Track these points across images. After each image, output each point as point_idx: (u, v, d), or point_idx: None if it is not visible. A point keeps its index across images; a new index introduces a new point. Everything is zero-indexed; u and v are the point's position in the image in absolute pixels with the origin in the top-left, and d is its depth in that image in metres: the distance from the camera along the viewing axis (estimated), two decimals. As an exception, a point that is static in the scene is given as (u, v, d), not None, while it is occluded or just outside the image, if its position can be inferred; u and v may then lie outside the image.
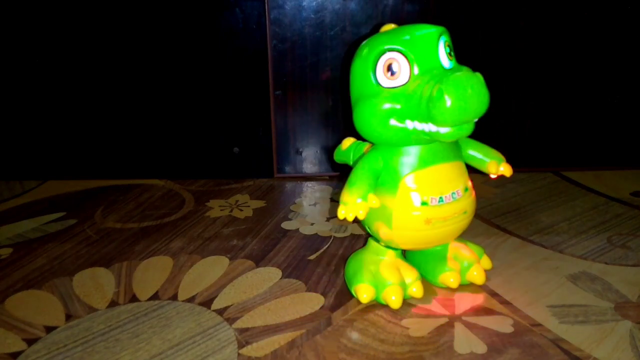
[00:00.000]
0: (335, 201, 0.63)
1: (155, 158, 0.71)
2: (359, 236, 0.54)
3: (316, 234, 0.55)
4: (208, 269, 0.48)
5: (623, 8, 0.66)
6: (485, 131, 0.69)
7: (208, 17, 0.66)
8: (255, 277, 0.46)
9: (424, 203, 0.40)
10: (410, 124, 0.38)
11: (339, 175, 0.72)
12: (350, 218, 0.39)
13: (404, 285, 0.42)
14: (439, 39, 0.38)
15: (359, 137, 0.43)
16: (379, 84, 0.39)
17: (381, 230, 0.42)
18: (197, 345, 0.37)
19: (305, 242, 0.53)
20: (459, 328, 0.39)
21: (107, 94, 0.69)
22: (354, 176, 0.41)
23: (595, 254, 0.50)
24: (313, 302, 0.42)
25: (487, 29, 0.67)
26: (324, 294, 0.43)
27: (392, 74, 0.38)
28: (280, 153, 0.71)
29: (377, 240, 0.44)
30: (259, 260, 0.49)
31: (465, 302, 0.42)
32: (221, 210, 0.61)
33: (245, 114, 0.69)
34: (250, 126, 0.70)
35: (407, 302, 0.42)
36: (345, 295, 0.43)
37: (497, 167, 0.43)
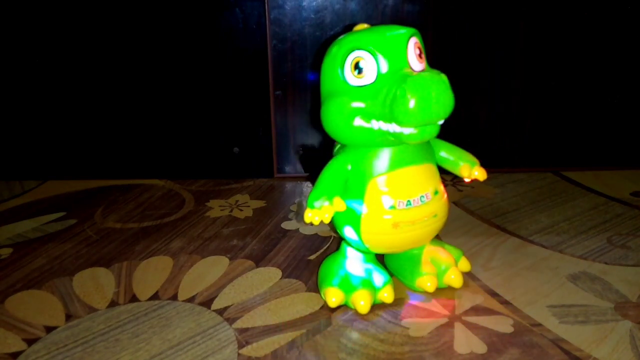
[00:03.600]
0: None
1: (155, 158, 0.71)
2: (359, 236, 0.54)
3: (316, 234, 0.55)
4: (208, 269, 0.48)
5: (623, 8, 0.66)
6: (485, 131, 0.69)
7: (208, 17, 0.66)
8: (255, 277, 0.46)
9: (391, 207, 0.40)
10: (375, 124, 0.37)
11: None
12: (316, 222, 0.38)
13: (373, 290, 0.42)
14: (408, 40, 0.38)
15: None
16: (346, 82, 0.39)
17: (350, 234, 0.42)
18: (197, 345, 0.37)
19: (305, 242, 0.53)
20: (459, 328, 0.39)
21: (107, 94, 0.69)
22: (321, 179, 0.40)
23: (595, 254, 0.50)
24: (313, 302, 0.42)
25: (487, 29, 0.67)
26: (324, 294, 0.43)
27: (359, 72, 0.38)
28: (280, 153, 0.71)
29: (349, 244, 0.44)
30: (259, 260, 0.49)
31: (465, 302, 0.42)
32: (221, 210, 0.61)
33: (245, 114, 0.69)
34: (250, 126, 0.70)
35: (407, 302, 0.42)
36: (345, 295, 0.43)
37: (470, 170, 0.42)
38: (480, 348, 0.37)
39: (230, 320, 0.40)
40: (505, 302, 0.42)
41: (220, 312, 0.41)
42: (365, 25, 0.41)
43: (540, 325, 0.39)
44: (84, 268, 0.48)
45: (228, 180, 0.71)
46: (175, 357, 0.36)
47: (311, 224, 0.39)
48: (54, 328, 0.40)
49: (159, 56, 0.67)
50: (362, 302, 0.40)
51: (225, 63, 0.67)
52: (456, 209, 0.61)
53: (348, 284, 0.42)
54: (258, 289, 0.44)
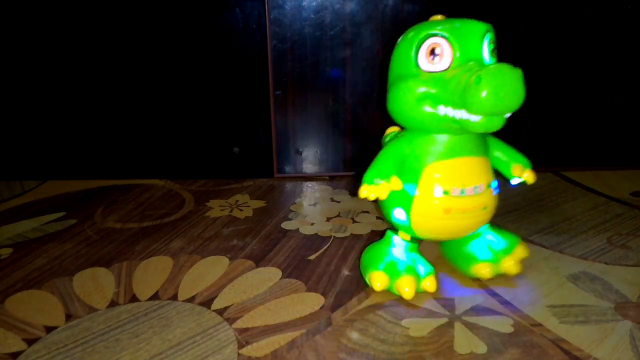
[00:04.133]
0: (335, 201, 0.63)
1: (155, 158, 0.71)
2: (359, 236, 0.54)
3: (316, 234, 0.55)
4: (208, 269, 0.48)
5: (623, 8, 0.66)
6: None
7: (208, 17, 0.66)
8: (255, 277, 0.46)
9: (445, 192, 0.41)
10: (442, 110, 0.39)
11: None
12: (371, 197, 0.39)
13: (418, 278, 0.43)
14: (484, 34, 0.39)
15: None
16: (419, 66, 0.39)
17: (400, 215, 0.43)
18: (197, 345, 0.37)
19: (305, 242, 0.53)
20: (459, 328, 0.39)
21: (107, 94, 0.69)
22: (379, 158, 0.41)
23: (595, 254, 0.50)
24: (313, 302, 0.42)
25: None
26: (324, 294, 0.43)
27: (434, 57, 0.39)
28: (280, 153, 0.71)
29: (395, 232, 0.45)
30: (259, 260, 0.49)
31: (465, 302, 0.42)
32: (221, 210, 0.61)
33: (245, 114, 0.69)
34: (250, 126, 0.70)
35: (407, 302, 0.42)
36: (345, 295, 0.43)
37: (521, 171, 0.43)
38: (480, 348, 0.37)
39: (230, 320, 0.40)
40: (505, 302, 0.42)
41: (220, 312, 0.41)
42: (440, 17, 0.42)
43: (540, 325, 0.39)
44: (84, 268, 0.48)
45: (228, 180, 0.71)
46: (175, 357, 0.36)
47: (365, 199, 0.40)
48: (54, 328, 0.39)
49: (159, 56, 0.67)
50: (406, 288, 0.41)
51: (225, 63, 0.67)
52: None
53: (394, 270, 0.43)
54: (258, 289, 0.44)
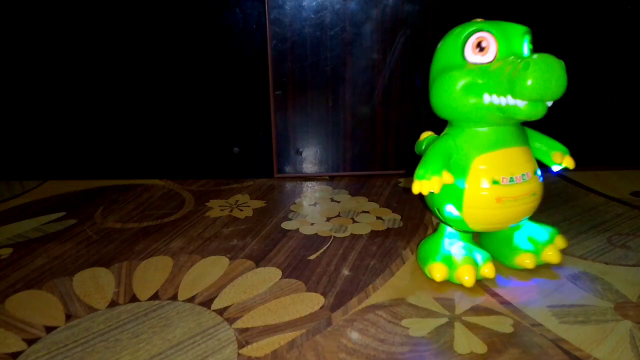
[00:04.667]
0: (335, 201, 0.63)
1: (155, 158, 0.71)
2: (359, 236, 0.54)
3: (316, 234, 0.55)
4: (208, 269, 0.48)
5: (623, 8, 0.66)
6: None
7: (208, 17, 0.66)
8: (255, 277, 0.46)
9: (495, 182, 0.42)
10: (487, 98, 0.41)
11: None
12: (425, 192, 0.41)
13: (476, 266, 0.44)
14: (524, 34, 0.42)
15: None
16: (465, 58, 0.42)
17: (452, 211, 0.44)
18: (197, 345, 0.37)
19: (305, 242, 0.53)
20: (459, 328, 0.39)
21: (107, 94, 0.69)
22: (428, 155, 0.43)
23: (595, 254, 0.50)
24: (313, 302, 0.42)
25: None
26: (324, 294, 0.43)
27: (481, 50, 0.41)
28: (280, 153, 0.71)
29: (448, 225, 0.46)
30: (259, 260, 0.49)
31: (465, 302, 0.42)
32: (221, 210, 0.61)
33: (245, 114, 0.69)
34: (250, 126, 0.70)
35: (407, 302, 0.42)
36: (345, 295, 0.43)
37: (562, 158, 0.46)
38: (480, 348, 0.37)
39: (230, 320, 0.40)
40: (505, 302, 0.42)
41: (220, 312, 0.41)
42: (481, 19, 0.45)
43: (540, 325, 0.39)
44: (84, 268, 0.48)
45: (228, 180, 0.71)
46: (176, 357, 0.36)
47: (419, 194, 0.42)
48: (54, 328, 0.39)
49: (159, 56, 0.67)
50: (466, 277, 0.43)
51: (225, 63, 0.67)
52: (456, 209, 0.61)
53: (452, 261, 0.44)
54: (258, 289, 0.44)
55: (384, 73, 0.68)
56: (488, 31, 0.41)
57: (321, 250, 0.51)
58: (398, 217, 0.59)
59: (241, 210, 0.61)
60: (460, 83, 0.42)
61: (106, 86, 0.68)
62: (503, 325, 0.39)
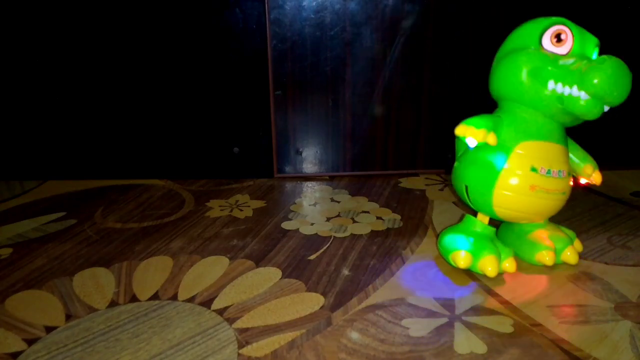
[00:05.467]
0: (335, 201, 0.63)
1: (155, 158, 0.71)
2: (359, 236, 0.54)
3: (316, 234, 0.55)
4: (208, 269, 0.48)
5: (623, 8, 0.66)
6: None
7: (208, 17, 0.66)
8: (255, 277, 0.46)
9: (533, 169, 0.44)
10: (551, 85, 0.42)
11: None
12: (469, 135, 0.43)
13: (499, 258, 0.45)
14: (596, 45, 0.44)
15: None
16: (541, 44, 0.44)
17: (481, 193, 0.45)
18: (197, 345, 0.37)
19: (305, 242, 0.53)
20: (459, 328, 0.39)
21: (107, 94, 0.69)
22: (480, 115, 0.44)
23: (595, 254, 0.50)
24: (313, 302, 0.42)
25: (487, 30, 0.67)
26: (324, 294, 0.43)
27: (559, 41, 0.43)
28: (280, 153, 0.71)
29: (474, 214, 0.47)
30: (259, 260, 0.49)
31: (465, 302, 0.42)
32: (221, 210, 0.61)
33: (245, 114, 0.69)
34: (250, 126, 0.70)
35: (407, 302, 0.42)
36: (345, 295, 0.43)
37: (592, 170, 0.47)
38: (480, 348, 0.37)
39: (230, 320, 0.40)
40: (505, 302, 0.42)
41: (220, 312, 0.41)
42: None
43: (540, 325, 0.39)
44: (84, 268, 0.48)
45: (228, 180, 0.71)
46: (176, 357, 0.36)
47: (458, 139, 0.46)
48: (54, 328, 0.39)
49: (159, 56, 0.67)
50: (490, 267, 0.44)
51: (225, 63, 0.67)
52: (456, 209, 0.61)
53: (477, 250, 0.45)
54: (258, 289, 0.44)
55: (384, 73, 0.68)
56: (569, 27, 0.43)
57: (321, 250, 0.51)
58: (398, 217, 0.59)
59: (241, 210, 0.61)
60: (530, 65, 0.43)
61: (106, 86, 0.68)
62: (503, 325, 0.39)
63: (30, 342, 0.38)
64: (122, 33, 0.66)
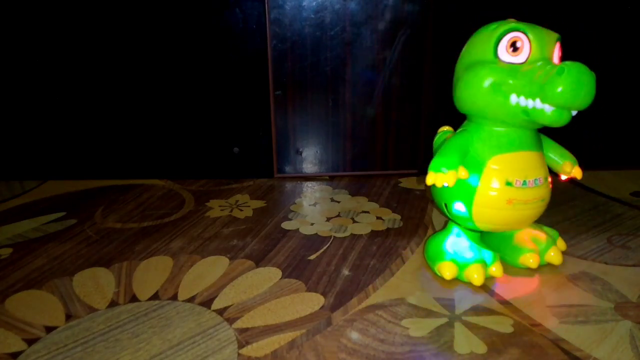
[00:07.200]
0: (335, 201, 0.63)
1: (155, 158, 0.71)
2: (359, 236, 0.54)
3: (316, 234, 0.55)
4: (208, 269, 0.48)
5: (623, 8, 0.66)
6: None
7: (208, 17, 0.66)
8: (255, 277, 0.46)
9: (508, 183, 0.43)
10: (514, 99, 0.41)
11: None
12: (439, 184, 0.42)
13: (485, 265, 0.45)
14: (557, 40, 0.42)
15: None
16: (497, 56, 0.42)
17: (460, 208, 0.44)
18: (197, 345, 0.37)
19: (305, 242, 0.53)
20: (459, 328, 0.39)
21: (107, 94, 0.69)
22: (445, 148, 0.43)
23: (595, 254, 0.50)
24: (313, 302, 0.42)
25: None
26: (324, 294, 0.43)
27: (515, 50, 0.41)
28: (280, 153, 0.71)
29: (457, 223, 0.47)
30: (259, 260, 0.49)
31: (465, 302, 0.42)
32: (221, 210, 0.61)
33: (245, 114, 0.69)
34: (250, 126, 0.70)
35: (407, 302, 0.42)
36: (345, 296, 0.43)
37: (572, 167, 0.46)
38: (480, 348, 0.37)
39: (230, 320, 0.40)
40: (505, 302, 0.42)
41: (220, 312, 0.41)
42: (514, 20, 0.44)
43: (540, 325, 0.39)
44: (84, 268, 0.48)
45: (228, 180, 0.71)
46: (175, 357, 0.36)
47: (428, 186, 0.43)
48: (54, 328, 0.39)
49: (159, 56, 0.67)
50: (475, 275, 0.44)
51: (225, 63, 0.67)
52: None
53: (461, 259, 0.45)
54: (258, 289, 0.44)
55: (384, 73, 0.68)
56: (524, 32, 0.41)
57: (321, 250, 0.51)
58: (398, 217, 0.59)
59: (241, 210, 0.61)
60: (489, 80, 0.42)
61: (106, 86, 0.68)
62: (503, 325, 0.39)
63: (30, 342, 0.38)
64: (122, 33, 0.66)
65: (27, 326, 0.40)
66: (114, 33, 0.66)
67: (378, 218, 0.59)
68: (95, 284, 0.46)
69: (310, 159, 0.72)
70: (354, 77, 0.68)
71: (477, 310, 0.41)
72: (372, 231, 0.55)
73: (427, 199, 0.64)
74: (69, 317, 0.41)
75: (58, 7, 0.65)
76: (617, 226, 0.55)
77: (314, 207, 0.62)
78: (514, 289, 0.44)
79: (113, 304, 0.43)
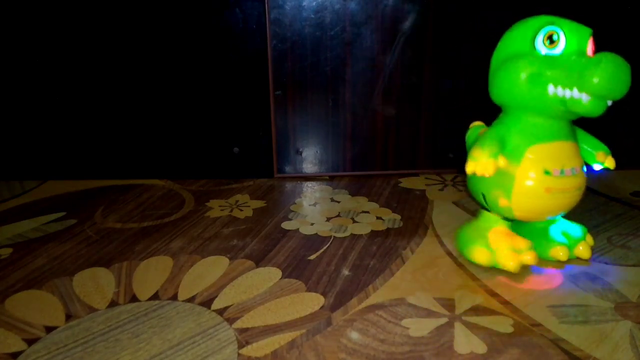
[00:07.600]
0: (335, 201, 0.63)
1: (155, 158, 0.71)
2: (359, 236, 0.54)
3: (316, 234, 0.55)
4: (208, 269, 0.48)
5: (623, 8, 0.66)
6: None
7: (208, 17, 0.66)
8: (255, 277, 0.46)
9: (546, 172, 0.44)
10: (551, 89, 0.42)
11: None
12: (479, 172, 0.43)
13: (519, 252, 0.45)
14: (589, 35, 0.43)
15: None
16: (535, 48, 0.43)
17: (499, 198, 0.45)
18: (197, 345, 0.37)
19: (305, 242, 0.53)
20: (459, 328, 0.39)
21: (107, 94, 0.69)
22: (484, 138, 0.44)
23: (595, 254, 0.50)
24: (313, 302, 0.42)
25: (487, 29, 0.67)
26: (324, 294, 0.43)
27: (551, 42, 0.43)
28: (280, 153, 0.71)
29: (490, 211, 0.47)
30: (259, 260, 0.49)
31: (465, 302, 0.42)
32: (221, 210, 0.61)
33: (245, 114, 0.69)
34: (250, 126, 0.70)
35: (407, 302, 0.42)
36: (345, 296, 0.43)
37: (605, 157, 0.47)
38: (480, 348, 0.37)
39: (230, 320, 0.40)
40: (505, 302, 0.42)
41: (220, 312, 0.41)
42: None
43: (540, 325, 0.39)
44: (84, 268, 0.48)
45: (228, 180, 0.71)
46: (175, 357, 0.36)
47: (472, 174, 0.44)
48: (54, 328, 0.39)
49: (159, 56, 0.67)
50: (511, 262, 0.45)
51: (225, 63, 0.67)
52: (456, 209, 0.61)
53: (494, 246, 0.46)
54: (258, 289, 0.44)
55: (384, 73, 0.68)
56: (560, 26, 0.43)
57: (321, 250, 0.51)
58: (398, 217, 0.59)
59: (241, 210, 0.61)
60: (527, 71, 0.43)
61: (106, 86, 0.68)
62: (503, 325, 0.39)
63: (30, 342, 0.38)
64: (122, 33, 0.66)
65: (27, 326, 0.40)
66: (114, 33, 0.66)
67: (378, 218, 0.59)
68: (95, 284, 0.46)
69: (310, 159, 0.72)
70: (354, 77, 0.68)
71: (477, 310, 0.41)
72: (372, 231, 0.55)
73: (427, 198, 0.64)
74: (69, 317, 0.41)
75: (58, 7, 0.65)
76: (617, 226, 0.55)
77: (314, 207, 0.62)
78: (514, 289, 0.44)
79: (113, 304, 0.43)
